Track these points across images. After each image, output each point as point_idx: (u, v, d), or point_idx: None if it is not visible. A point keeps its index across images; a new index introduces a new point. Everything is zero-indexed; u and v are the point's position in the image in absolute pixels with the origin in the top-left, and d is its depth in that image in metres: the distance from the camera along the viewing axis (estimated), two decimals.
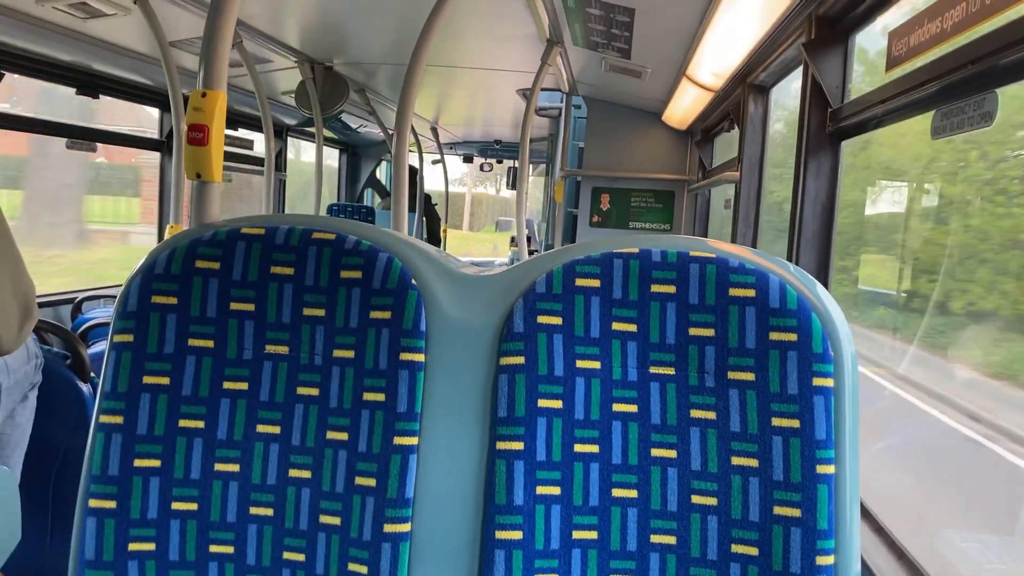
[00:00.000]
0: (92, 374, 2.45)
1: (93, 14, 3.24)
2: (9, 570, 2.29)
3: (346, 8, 3.61)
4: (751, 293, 1.12)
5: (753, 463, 1.11)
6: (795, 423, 1.10)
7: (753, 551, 1.10)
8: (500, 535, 1.13)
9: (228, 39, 1.35)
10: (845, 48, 2.10)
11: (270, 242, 1.21)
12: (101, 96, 4.15)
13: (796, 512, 1.09)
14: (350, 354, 1.20)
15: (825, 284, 2.21)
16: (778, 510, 1.10)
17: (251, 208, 6.74)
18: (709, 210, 4.87)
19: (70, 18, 3.28)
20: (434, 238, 8.79)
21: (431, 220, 8.76)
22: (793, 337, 1.10)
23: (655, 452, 1.15)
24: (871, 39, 2.12)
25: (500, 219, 14.91)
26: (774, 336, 1.11)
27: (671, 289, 1.14)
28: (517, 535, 1.13)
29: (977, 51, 1.35)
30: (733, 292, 1.12)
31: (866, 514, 1.81)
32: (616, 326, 1.16)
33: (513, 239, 10.49)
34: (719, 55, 3.02)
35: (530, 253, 7.71)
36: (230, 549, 1.19)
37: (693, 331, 1.14)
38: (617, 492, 1.15)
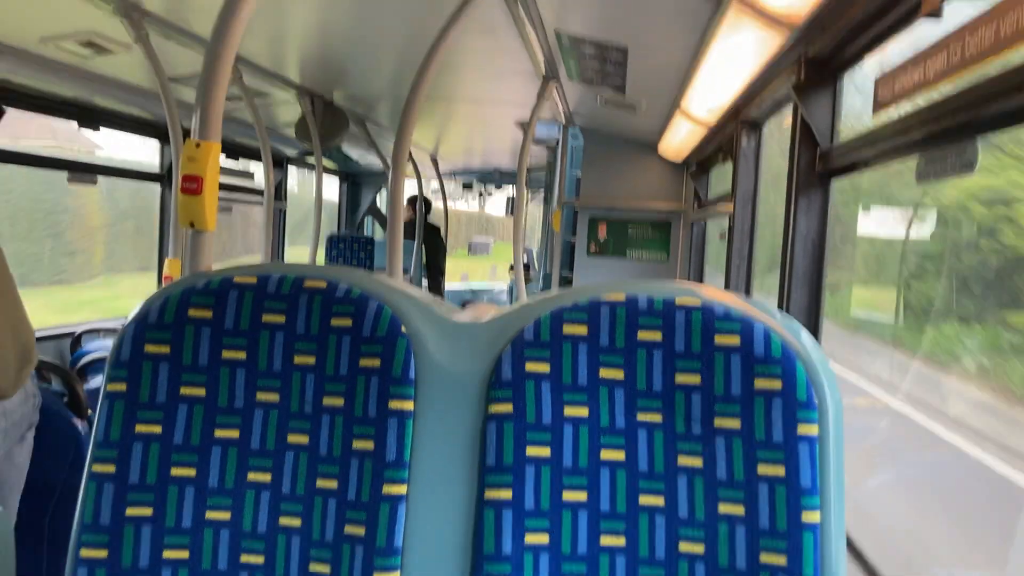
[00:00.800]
0: (90, 412, 2.46)
1: (97, 52, 3.28)
2: None
3: (346, 43, 3.66)
4: (736, 341, 1.13)
5: (739, 511, 1.12)
6: (780, 471, 1.11)
7: None
8: None
9: (223, 89, 1.37)
10: (834, 89, 2.13)
11: (262, 290, 1.23)
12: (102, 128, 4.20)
13: (782, 560, 1.10)
14: (340, 402, 1.21)
15: (817, 320, 2.23)
16: (764, 558, 1.11)
17: (251, 238, 6.77)
18: (705, 240, 4.89)
19: (73, 55, 3.32)
20: (436, 271, 8.76)
21: (435, 253, 8.71)
22: (778, 385, 1.12)
23: (643, 500, 1.15)
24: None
25: (475, 240, 14.40)
26: (759, 384, 1.12)
27: (657, 336, 1.16)
28: None
29: (958, 101, 1.38)
30: (719, 340, 1.14)
31: (857, 555, 1.81)
32: (603, 373, 1.17)
33: (512, 267, 10.52)
34: (712, 92, 3.05)
35: (528, 281, 7.72)
36: None
37: (679, 378, 1.15)
38: (606, 540, 1.15)
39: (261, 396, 1.22)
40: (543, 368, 1.17)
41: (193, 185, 1.33)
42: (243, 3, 1.41)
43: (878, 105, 1.71)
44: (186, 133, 3.43)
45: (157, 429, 1.20)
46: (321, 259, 6.89)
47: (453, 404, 1.20)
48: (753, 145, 3.15)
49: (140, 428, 1.20)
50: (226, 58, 1.40)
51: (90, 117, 4.09)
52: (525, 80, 3.91)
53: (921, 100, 1.54)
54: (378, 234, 9.13)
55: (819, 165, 2.14)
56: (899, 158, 1.73)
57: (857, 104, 2.15)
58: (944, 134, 1.46)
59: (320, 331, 1.22)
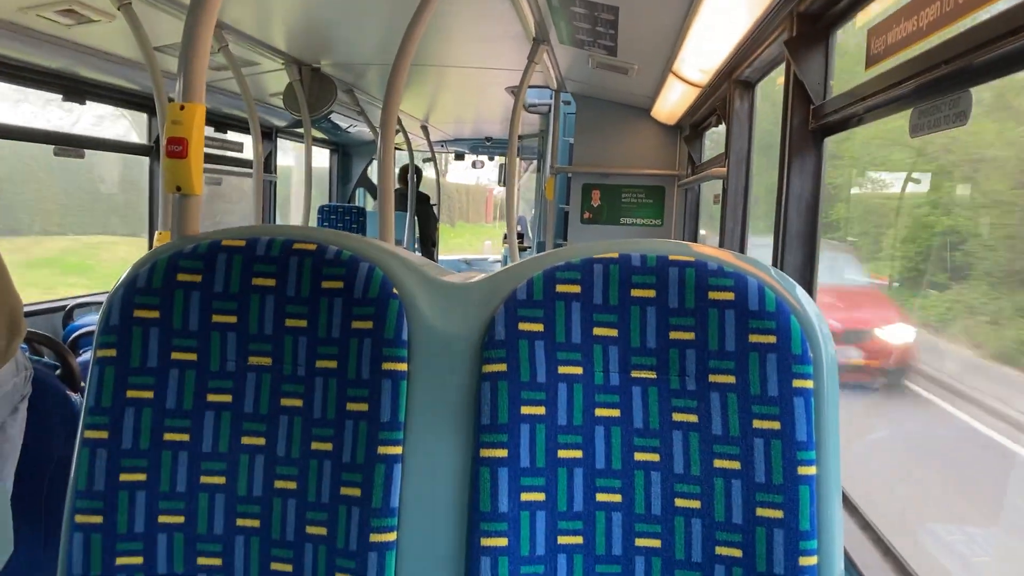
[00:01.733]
0: (83, 384, 2.45)
1: (78, 20, 3.23)
2: None
3: (332, 9, 3.61)
4: (730, 296, 1.13)
5: (735, 465, 1.12)
6: (776, 425, 1.11)
7: (737, 553, 1.11)
8: (485, 542, 1.14)
9: (206, 51, 1.35)
10: (826, 45, 2.11)
11: (251, 254, 1.22)
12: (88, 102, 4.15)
13: (778, 513, 1.10)
14: (333, 364, 1.20)
15: (811, 280, 2.22)
16: (761, 512, 1.11)
17: (244, 211, 6.73)
18: (699, 205, 4.88)
19: (55, 25, 3.27)
20: (428, 241, 8.73)
21: (426, 222, 8.69)
22: (772, 339, 1.11)
23: (638, 456, 1.15)
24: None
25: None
26: (753, 339, 1.12)
27: (651, 293, 1.15)
28: (503, 542, 1.13)
29: (950, 51, 1.36)
30: (712, 295, 1.13)
31: (852, 510, 1.82)
32: (597, 331, 1.16)
33: (506, 236, 10.50)
34: (704, 52, 3.02)
35: (522, 250, 7.71)
36: (218, 561, 1.19)
37: (673, 335, 1.15)
38: (601, 497, 1.15)
39: (253, 360, 1.21)
40: (536, 327, 1.16)
41: (178, 148, 1.31)
42: None
43: (871, 59, 1.69)
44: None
45: (149, 394, 1.19)
46: None
47: (446, 364, 1.20)
48: (746, 106, 3.13)
49: (132, 393, 1.19)
50: (208, 17, 1.38)
51: (75, 89, 4.04)
52: (516, 44, 3.87)
53: (914, 52, 1.52)
54: (369, 205, 9.09)
55: (812, 122, 2.12)
56: (892, 112, 1.71)
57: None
58: (937, 85, 1.45)
59: (311, 293, 1.21)
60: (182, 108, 1.32)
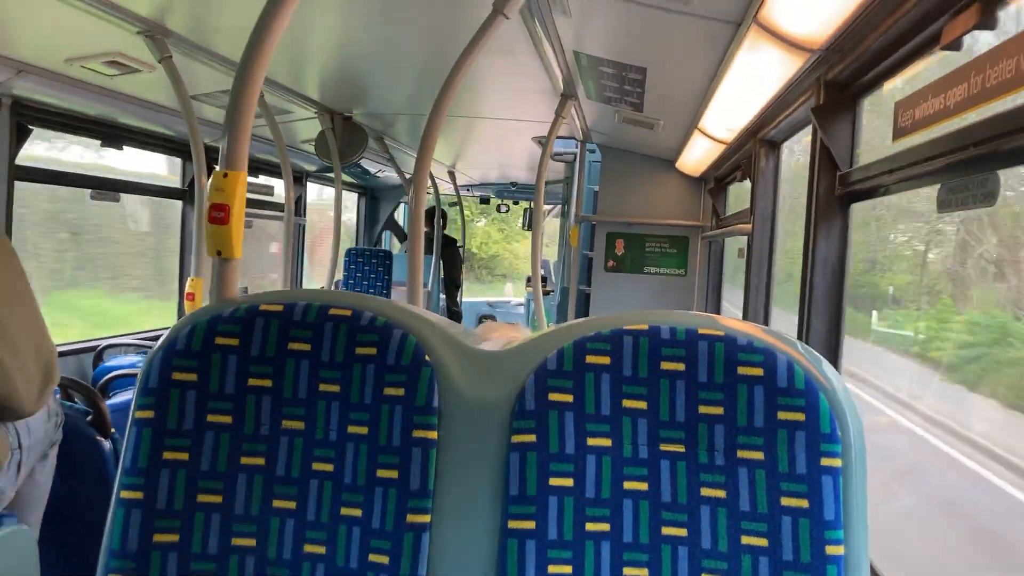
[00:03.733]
0: (112, 430, 2.48)
1: (121, 71, 3.33)
2: None
3: (365, 61, 3.69)
4: (759, 372, 1.14)
5: (763, 543, 1.12)
6: (804, 503, 1.11)
7: None
8: None
9: (249, 121, 1.39)
10: (854, 113, 2.13)
11: (288, 318, 1.25)
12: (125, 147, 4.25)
13: None
14: (364, 430, 1.22)
15: (837, 346, 2.22)
16: None
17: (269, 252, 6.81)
18: (723, 256, 4.88)
19: (97, 75, 3.37)
20: (452, 284, 8.78)
21: (451, 264, 8.74)
22: (801, 417, 1.12)
23: (666, 531, 1.16)
24: None
25: None
26: (782, 415, 1.12)
27: (680, 367, 1.16)
28: None
29: (979, 133, 1.38)
30: (742, 371, 1.14)
31: None
32: (626, 403, 1.17)
33: (529, 280, 10.53)
34: (730, 112, 3.06)
35: (545, 295, 7.72)
36: None
37: (703, 409, 1.15)
38: (628, 571, 1.16)
39: (286, 423, 1.24)
40: (566, 398, 1.18)
41: (220, 215, 1.35)
42: (268, 36, 1.44)
43: (898, 131, 1.71)
44: (208, 149, 3.48)
45: (184, 456, 1.22)
46: (339, 273, 6.93)
47: (476, 433, 1.21)
48: (772, 164, 3.15)
49: (168, 455, 1.21)
50: (252, 88, 1.42)
51: (113, 136, 4.14)
52: (543, 97, 3.93)
53: (942, 129, 1.54)
54: (395, 248, 9.17)
55: (839, 188, 2.14)
56: (920, 185, 1.73)
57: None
58: (965, 164, 1.46)
59: (345, 359, 1.23)
60: (225, 176, 1.36)
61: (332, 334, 1.24)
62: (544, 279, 9.00)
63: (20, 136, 3.43)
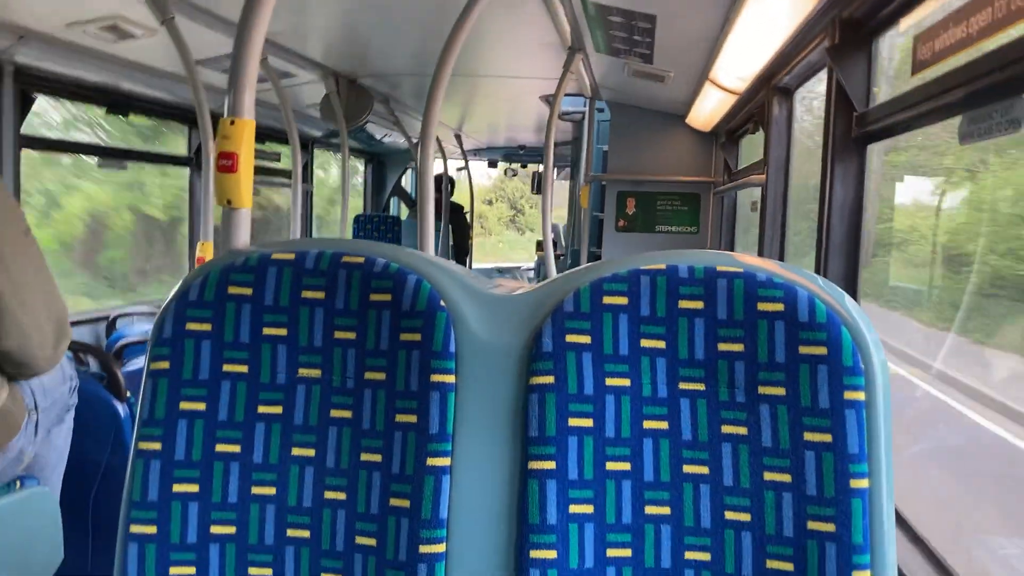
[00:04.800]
0: (128, 393, 2.49)
1: (122, 36, 3.29)
2: None
3: (369, 22, 3.65)
4: (780, 307, 1.12)
5: (786, 478, 1.11)
6: (827, 437, 1.10)
7: (788, 567, 1.10)
8: (535, 554, 1.14)
9: (255, 68, 1.37)
10: (869, 52, 2.09)
11: (300, 266, 1.23)
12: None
13: (830, 527, 1.09)
14: (381, 376, 1.21)
15: (854, 289, 2.20)
16: (812, 525, 1.10)
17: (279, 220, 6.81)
18: (736, 212, 4.84)
19: (99, 40, 3.34)
20: (461, 250, 8.76)
21: (459, 231, 8.72)
22: (823, 351, 1.10)
23: (687, 468, 1.15)
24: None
25: None
26: (804, 350, 1.11)
27: (699, 305, 1.14)
28: (551, 554, 1.13)
29: (1004, 57, 1.34)
30: (762, 307, 1.12)
31: (903, 524, 1.80)
32: (645, 343, 1.16)
33: (539, 244, 10.50)
34: (742, 59, 3.00)
35: (556, 258, 7.72)
36: (268, 571, 1.21)
37: (722, 346, 1.14)
38: (650, 509, 1.15)
39: (303, 372, 1.23)
40: (584, 339, 1.16)
41: (228, 163, 1.33)
42: None
43: (917, 65, 1.67)
44: (214, 116, 3.45)
45: (201, 406, 1.21)
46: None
47: (494, 376, 1.20)
48: (785, 112, 3.10)
49: (184, 405, 1.21)
50: (257, 35, 1.40)
51: (118, 103, 4.11)
52: (550, 53, 3.88)
53: (963, 58, 1.50)
54: (403, 214, 9.15)
55: (855, 130, 2.10)
56: (940, 119, 1.69)
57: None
58: (988, 92, 1.42)
59: (360, 306, 1.22)
60: (232, 123, 1.34)
61: (346, 281, 1.22)
62: (554, 243, 8.99)
63: (24, 104, 3.41)
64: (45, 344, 1.87)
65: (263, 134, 5.74)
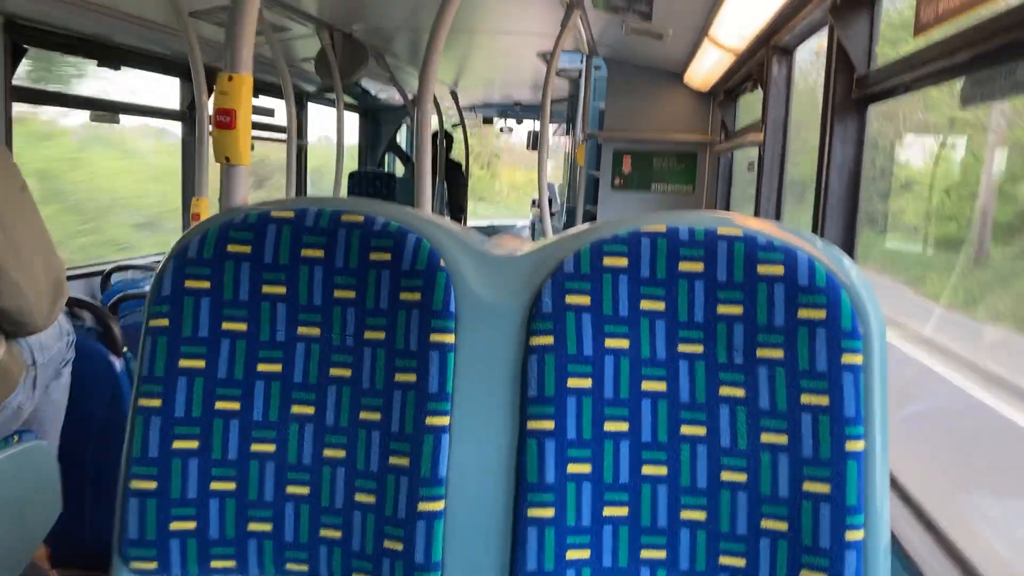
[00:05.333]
0: (124, 348, 2.49)
1: None
2: (51, 541, 2.36)
3: None
4: (779, 270, 1.12)
5: (782, 440, 1.13)
6: (824, 400, 1.11)
7: (783, 527, 1.12)
8: (532, 513, 1.15)
9: (252, 22, 1.35)
10: (872, 12, 2.06)
11: (300, 225, 1.23)
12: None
13: (825, 488, 1.10)
14: (381, 335, 1.22)
15: (851, 250, 2.20)
16: (807, 486, 1.11)
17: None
18: (732, 172, 4.82)
19: None
20: (457, 208, 8.70)
21: (456, 189, 8.65)
22: (822, 314, 1.11)
23: (685, 429, 1.16)
24: None
25: None
26: (803, 314, 1.11)
27: (699, 267, 1.15)
28: (549, 513, 1.15)
29: (1009, 20, 1.33)
30: (761, 270, 1.13)
31: (895, 486, 1.82)
32: (644, 305, 1.16)
33: (534, 202, 10.46)
34: (742, 17, 2.97)
35: (552, 216, 7.68)
36: (268, 527, 1.22)
37: (721, 309, 1.14)
38: (647, 469, 1.16)
39: (302, 330, 1.23)
40: (584, 300, 1.17)
41: (226, 119, 1.32)
42: None
43: (920, 26, 1.66)
44: (208, 69, 3.40)
45: (201, 364, 1.21)
46: (344, 196, 6.88)
47: (494, 336, 1.20)
48: (784, 72, 3.08)
49: (184, 363, 1.21)
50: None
51: (110, 56, 4.05)
52: (548, 8, 3.83)
53: (967, 20, 1.49)
54: (398, 170, 9.08)
55: (856, 91, 2.08)
56: (942, 81, 1.68)
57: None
58: (992, 54, 1.41)
59: (359, 265, 1.22)
60: (230, 79, 1.32)
61: (345, 240, 1.22)
62: (550, 201, 8.94)
63: (16, 56, 3.36)
64: (42, 302, 1.87)
65: (257, 88, 5.66)
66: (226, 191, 1.36)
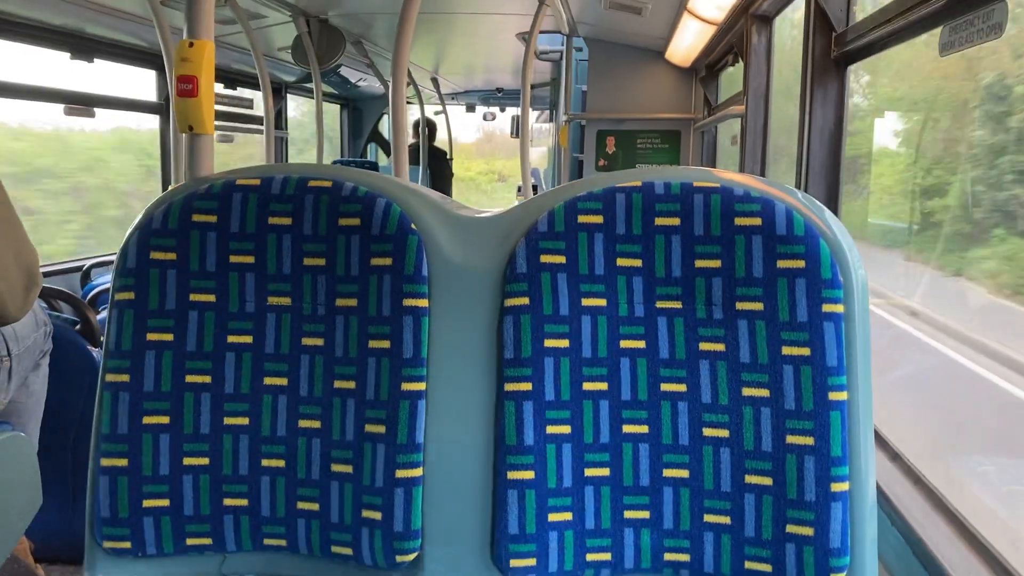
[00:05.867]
0: (103, 339, 2.46)
1: None
2: (34, 535, 2.32)
3: None
4: (757, 221, 1.10)
5: (764, 393, 1.10)
6: (805, 351, 1.09)
7: (767, 481, 1.10)
8: (512, 475, 1.13)
9: None
10: None
11: (266, 192, 1.20)
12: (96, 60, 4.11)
13: (809, 440, 1.08)
14: (353, 302, 1.19)
15: (835, 211, 2.18)
16: (791, 439, 1.09)
17: None
18: (716, 148, 4.80)
19: None
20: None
21: (440, 177, 8.61)
22: (801, 264, 1.08)
23: (664, 387, 1.14)
24: None
25: None
26: (782, 264, 1.09)
27: (675, 221, 1.12)
28: (529, 475, 1.12)
29: None
30: (739, 221, 1.10)
31: (881, 442, 1.80)
32: (621, 262, 1.14)
33: (519, 189, 10.43)
34: None
35: None
36: (244, 502, 1.19)
37: (699, 263, 1.12)
38: (628, 428, 1.14)
39: (272, 300, 1.20)
40: (558, 259, 1.14)
41: (188, 86, 1.28)
42: None
43: None
44: None
45: (169, 337, 1.18)
46: None
47: (468, 299, 1.18)
48: (764, 41, 3.05)
49: (151, 336, 1.18)
50: None
51: (83, 47, 3.99)
52: None
53: None
54: (382, 160, 9.04)
55: (834, 50, 2.06)
56: (920, 32, 1.65)
57: None
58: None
59: (328, 231, 1.19)
60: (191, 45, 1.29)
61: (313, 206, 1.19)
62: (535, 187, 8.90)
63: None
64: (15, 291, 1.83)
65: (234, 79, 5.61)
66: (191, 161, 1.32)
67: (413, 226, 1.18)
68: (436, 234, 1.19)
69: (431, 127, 8.28)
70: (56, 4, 3.42)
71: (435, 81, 8.12)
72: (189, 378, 1.19)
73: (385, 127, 9.04)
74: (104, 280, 3.77)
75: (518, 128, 9.99)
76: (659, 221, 1.13)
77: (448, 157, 8.99)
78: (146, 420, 1.18)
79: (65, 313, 2.71)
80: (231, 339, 1.20)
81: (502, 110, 10.79)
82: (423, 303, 1.17)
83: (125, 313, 1.18)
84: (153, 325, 1.18)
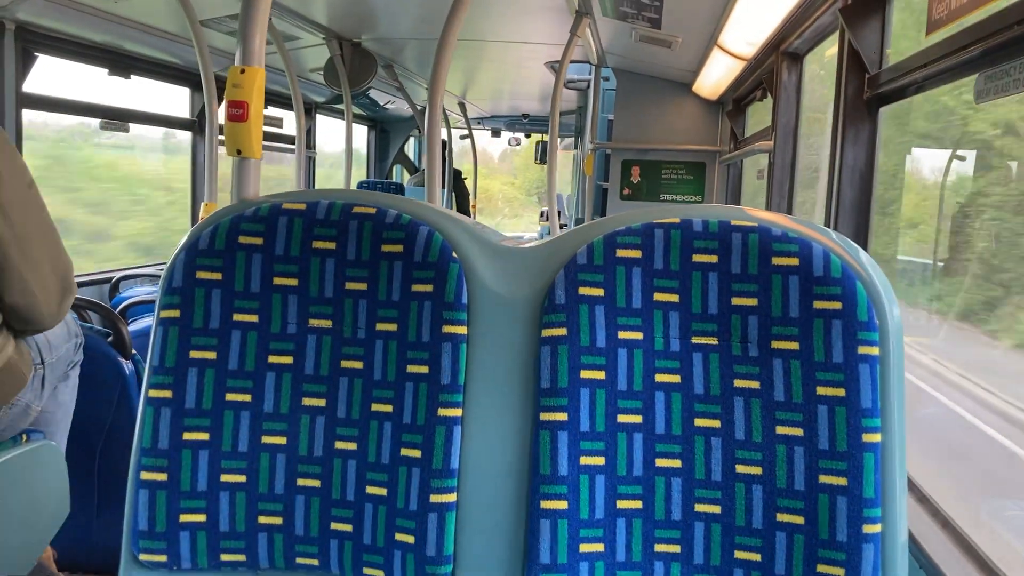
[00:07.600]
0: (133, 351, 2.49)
1: None
2: (59, 544, 2.35)
3: None
4: (794, 262, 1.11)
5: (798, 432, 1.11)
6: (840, 392, 1.10)
7: (799, 520, 1.10)
8: (545, 505, 1.14)
9: (265, 16, 1.35)
10: (883, 12, 2.06)
11: (311, 217, 1.22)
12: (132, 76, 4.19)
13: (842, 481, 1.09)
14: (393, 327, 1.21)
15: (866, 252, 2.19)
16: (824, 479, 1.10)
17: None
18: (741, 181, 4.82)
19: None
20: (463, 214, 8.74)
21: (460, 196, 8.74)
22: (837, 305, 1.10)
23: (699, 422, 1.15)
24: None
25: None
26: (818, 305, 1.10)
27: (713, 259, 1.14)
28: (562, 505, 1.14)
29: (1020, 12, 1.32)
30: (776, 261, 1.12)
31: (909, 484, 1.80)
32: (658, 296, 1.15)
33: (543, 213, 10.48)
34: (752, 23, 2.97)
35: (561, 227, 7.70)
36: (278, 520, 1.21)
37: (736, 301, 1.14)
38: (661, 462, 1.15)
39: (314, 322, 1.22)
40: (597, 292, 1.16)
41: (239, 111, 1.32)
42: None
43: (933, 24, 1.65)
44: (218, 78, 3.41)
45: (211, 355, 1.21)
46: None
47: (506, 328, 1.20)
48: (794, 78, 3.07)
49: (195, 354, 1.21)
50: None
51: (120, 64, 4.07)
52: (557, 17, 3.84)
53: (980, 15, 1.48)
54: (405, 180, 9.13)
55: (867, 92, 2.08)
56: (955, 79, 1.67)
57: None
58: (1005, 48, 1.41)
59: (371, 257, 1.21)
60: (243, 72, 1.32)
61: (357, 232, 1.22)
62: (559, 212, 8.96)
63: (26, 62, 3.38)
64: (50, 299, 1.87)
65: (266, 98, 5.69)
66: (238, 183, 1.35)
67: (454, 254, 1.20)
68: (476, 263, 1.21)
69: (456, 175, 8.44)
70: (99, 22, 3.50)
71: (462, 105, 8.20)
72: (230, 396, 1.21)
73: (410, 149, 9.14)
74: (132, 292, 3.82)
75: (544, 154, 10.06)
76: (697, 258, 1.14)
77: (464, 177, 9.12)
78: (186, 436, 1.20)
79: (96, 324, 2.74)
80: (272, 359, 1.22)
81: (527, 136, 10.88)
82: (462, 330, 1.19)
83: (170, 331, 1.21)
84: (197, 343, 1.21)
